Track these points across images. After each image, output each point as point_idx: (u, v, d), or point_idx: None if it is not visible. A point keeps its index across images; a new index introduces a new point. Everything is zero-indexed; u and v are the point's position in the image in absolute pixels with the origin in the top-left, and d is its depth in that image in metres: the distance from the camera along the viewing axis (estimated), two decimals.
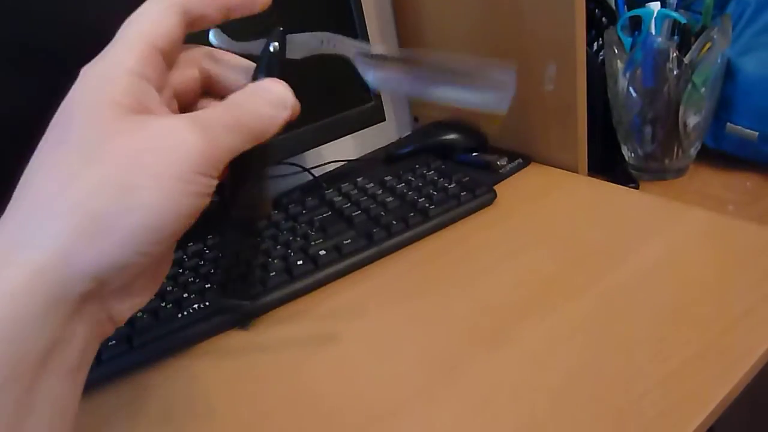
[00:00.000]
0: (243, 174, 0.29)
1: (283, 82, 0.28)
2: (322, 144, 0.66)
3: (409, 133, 0.86)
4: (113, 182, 0.23)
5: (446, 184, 0.62)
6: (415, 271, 0.54)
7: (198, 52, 0.30)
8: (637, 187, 0.66)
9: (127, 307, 0.27)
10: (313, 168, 0.75)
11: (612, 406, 0.37)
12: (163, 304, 0.48)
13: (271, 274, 0.51)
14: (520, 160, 0.68)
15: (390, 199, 0.60)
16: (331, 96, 0.65)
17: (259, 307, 0.50)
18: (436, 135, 0.74)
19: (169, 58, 0.27)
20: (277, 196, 0.67)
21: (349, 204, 0.61)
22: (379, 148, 0.81)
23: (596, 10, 0.68)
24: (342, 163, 0.77)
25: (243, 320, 0.41)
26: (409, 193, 0.61)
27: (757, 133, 0.62)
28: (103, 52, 0.25)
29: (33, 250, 0.22)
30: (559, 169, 0.66)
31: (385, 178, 0.65)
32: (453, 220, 0.59)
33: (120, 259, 0.23)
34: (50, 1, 0.48)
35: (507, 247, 0.55)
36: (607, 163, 0.69)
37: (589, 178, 0.65)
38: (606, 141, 0.69)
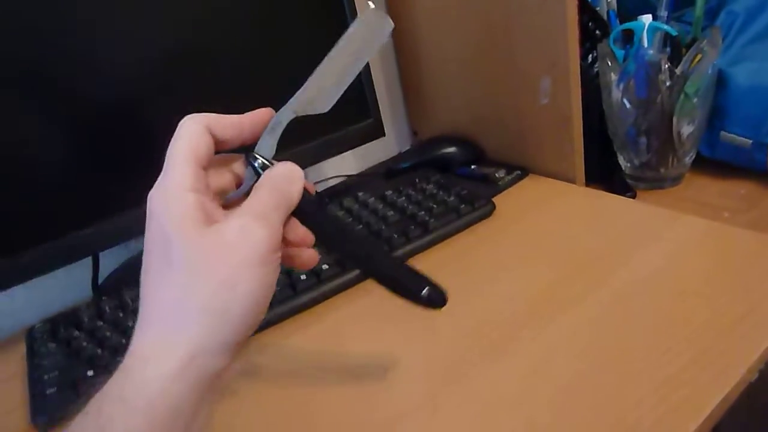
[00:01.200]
0: None
1: (291, 162, 0.35)
2: (323, 160, 0.67)
3: (408, 147, 0.88)
4: (221, 286, 0.30)
5: (445, 198, 0.63)
6: None
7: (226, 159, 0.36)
8: (634, 196, 0.67)
9: (231, 375, 0.34)
10: (314, 183, 0.76)
11: (610, 414, 0.37)
12: None
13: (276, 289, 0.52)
14: (518, 172, 0.69)
15: (390, 213, 0.61)
16: (331, 113, 0.66)
17: (264, 321, 0.51)
18: (435, 149, 0.75)
19: (206, 169, 0.34)
20: None
21: (350, 218, 0.62)
22: (380, 163, 0.82)
23: (590, 23, 0.70)
24: (343, 178, 0.79)
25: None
26: (410, 206, 0.62)
27: (751, 140, 0.63)
28: (161, 178, 0.32)
29: (179, 347, 0.29)
30: (556, 180, 0.67)
31: (386, 192, 0.66)
32: (453, 233, 0.60)
33: (240, 339, 0.31)
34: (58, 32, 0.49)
35: (506, 258, 0.56)
36: (604, 172, 0.70)
37: (587, 188, 0.66)
38: (602, 151, 0.70)
